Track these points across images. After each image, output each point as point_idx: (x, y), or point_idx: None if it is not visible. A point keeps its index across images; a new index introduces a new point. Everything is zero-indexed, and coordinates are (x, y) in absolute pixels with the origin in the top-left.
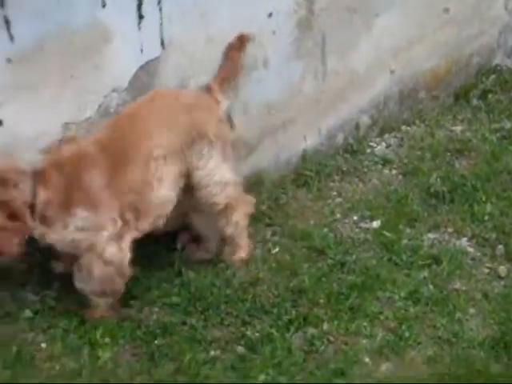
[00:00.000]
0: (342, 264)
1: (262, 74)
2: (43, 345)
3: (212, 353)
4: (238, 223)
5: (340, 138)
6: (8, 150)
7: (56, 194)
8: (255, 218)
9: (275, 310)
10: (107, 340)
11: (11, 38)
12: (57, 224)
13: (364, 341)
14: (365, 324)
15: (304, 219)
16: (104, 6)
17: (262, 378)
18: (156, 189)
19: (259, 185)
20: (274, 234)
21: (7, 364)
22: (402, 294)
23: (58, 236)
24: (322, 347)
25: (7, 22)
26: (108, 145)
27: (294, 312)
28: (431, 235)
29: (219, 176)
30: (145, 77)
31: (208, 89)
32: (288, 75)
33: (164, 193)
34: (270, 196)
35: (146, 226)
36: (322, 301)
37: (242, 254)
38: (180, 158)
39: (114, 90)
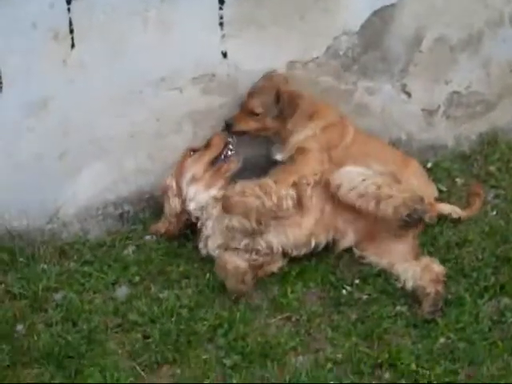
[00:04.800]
0: None
1: (508, 31)
2: None
3: (398, 308)
4: None
5: None
6: (229, 81)
7: None
8: (480, 179)
9: (474, 274)
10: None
11: None
12: None
13: None
14: None
15: None
16: None
17: (441, 340)
18: None
19: (493, 144)
20: (496, 196)
21: None
22: None
23: None
24: (511, 319)
25: None
26: None
27: (492, 279)
28: None
29: None
30: (378, 22)
31: None
32: None
33: None
34: (501, 157)
35: None
36: None
37: None
38: None
39: (344, 33)
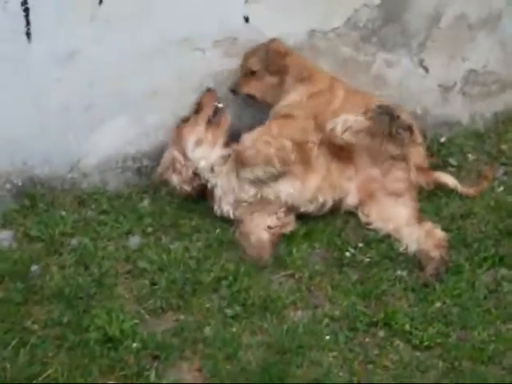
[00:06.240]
0: None
1: None
2: None
3: (398, 272)
4: None
5: None
6: (251, 46)
7: None
8: (492, 156)
9: (475, 245)
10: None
11: None
12: None
13: None
14: None
15: None
16: None
17: (437, 304)
18: None
19: (507, 123)
20: (505, 173)
21: None
22: None
23: None
24: (507, 289)
25: None
26: None
27: (492, 250)
28: None
29: None
30: None
31: None
32: None
33: None
34: None
35: None
36: None
37: None
38: None
39: (365, 5)
